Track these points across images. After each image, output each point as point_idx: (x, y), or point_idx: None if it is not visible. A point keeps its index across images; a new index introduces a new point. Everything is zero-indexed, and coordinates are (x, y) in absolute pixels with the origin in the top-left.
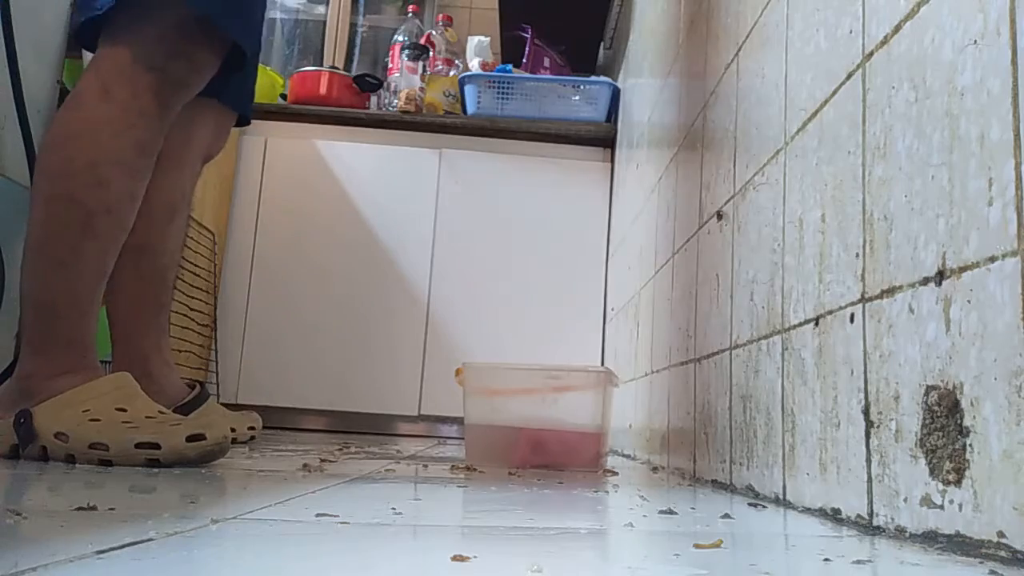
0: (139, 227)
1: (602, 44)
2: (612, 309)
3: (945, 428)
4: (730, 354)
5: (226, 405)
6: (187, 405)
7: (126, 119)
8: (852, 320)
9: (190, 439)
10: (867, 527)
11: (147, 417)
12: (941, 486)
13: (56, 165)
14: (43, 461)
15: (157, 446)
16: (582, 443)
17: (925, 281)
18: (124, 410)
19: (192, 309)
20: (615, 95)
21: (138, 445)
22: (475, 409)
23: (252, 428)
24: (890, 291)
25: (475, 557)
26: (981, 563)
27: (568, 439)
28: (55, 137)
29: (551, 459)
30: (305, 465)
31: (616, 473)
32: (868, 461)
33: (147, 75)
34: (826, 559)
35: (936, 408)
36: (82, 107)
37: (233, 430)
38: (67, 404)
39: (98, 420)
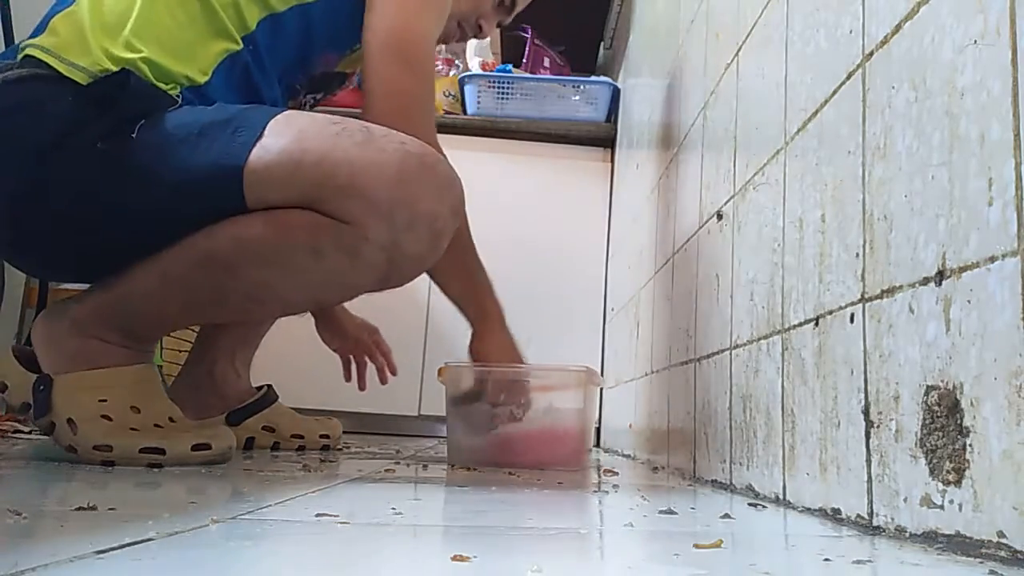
0: None
1: (602, 44)
2: (612, 309)
3: (945, 428)
4: (730, 354)
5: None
6: (250, 407)
7: (323, 281)
8: (852, 320)
9: (195, 448)
10: (867, 527)
11: (156, 426)
12: (941, 486)
13: (230, 259)
14: (47, 435)
15: (162, 451)
16: (563, 441)
17: (925, 281)
18: (138, 410)
19: None
20: (615, 95)
21: (142, 450)
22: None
23: (325, 436)
24: (890, 291)
25: (475, 557)
26: (981, 563)
27: (549, 437)
28: (246, 238)
29: (532, 457)
30: (305, 465)
31: (616, 473)
32: (868, 461)
33: (378, 254)
34: (826, 559)
35: (936, 408)
36: (285, 245)
37: (300, 436)
38: (87, 387)
39: (109, 420)
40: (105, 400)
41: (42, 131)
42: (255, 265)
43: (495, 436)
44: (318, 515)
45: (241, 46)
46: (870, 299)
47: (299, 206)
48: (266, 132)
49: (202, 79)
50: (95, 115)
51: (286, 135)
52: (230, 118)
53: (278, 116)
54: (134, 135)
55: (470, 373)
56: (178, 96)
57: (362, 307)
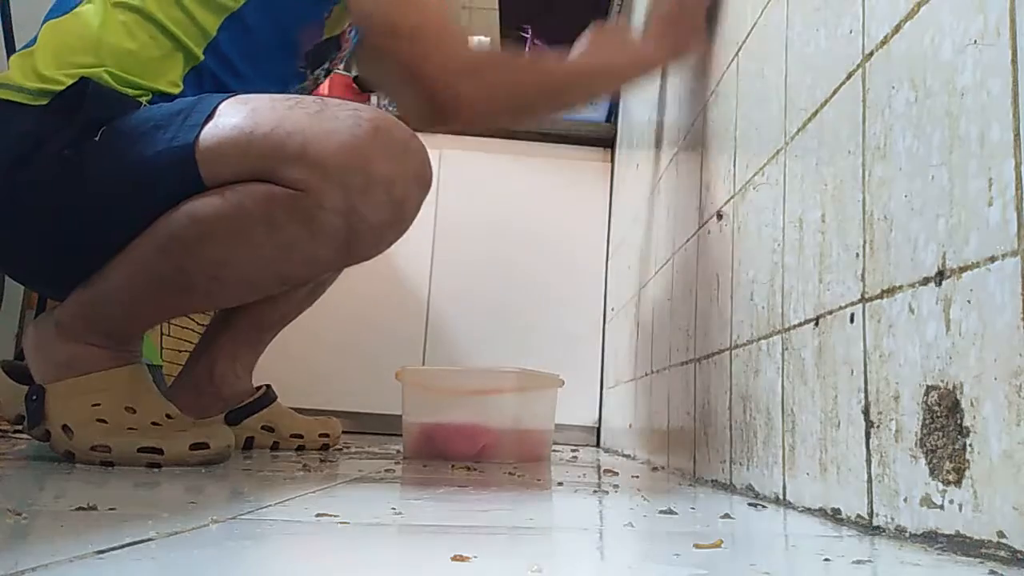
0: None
1: None
2: (612, 309)
3: (945, 428)
4: (730, 354)
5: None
6: (249, 406)
7: (285, 257)
8: (852, 320)
9: (193, 447)
10: (867, 527)
11: (153, 424)
12: (941, 486)
13: (189, 238)
14: (44, 441)
15: (160, 451)
16: (500, 439)
17: (925, 281)
18: (133, 410)
19: None
20: (615, 95)
21: (141, 449)
22: (412, 408)
23: (324, 436)
24: (890, 291)
25: (475, 557)
26: (981, 563)
27: (490, 436)
28: (202, 215)
29: (460, 451)
30: (305, 465)
31: (616, 473)
32: (868, 461)
33: (336, 221)
34: (826, 559)
35: (936, 408)
36: (241, 219)
37: (299, 436)
38: (80, 391)
39: (104, 422)
40: (99, 404)
41: (8, 149)
42: (212, 242)
43: (445, 434)
44: (318, 515)
45: (202, 58)
46: (870, 299)
47: (256, 179)
48: (217, 112)
49: (175, 90)
50: (61, 125)
51: (239, 112)
52: (184, 107)
53: (231, 98)
54: (97, 138)
55: (426, 376)
56: (148, 102)
57: (362, 306)
